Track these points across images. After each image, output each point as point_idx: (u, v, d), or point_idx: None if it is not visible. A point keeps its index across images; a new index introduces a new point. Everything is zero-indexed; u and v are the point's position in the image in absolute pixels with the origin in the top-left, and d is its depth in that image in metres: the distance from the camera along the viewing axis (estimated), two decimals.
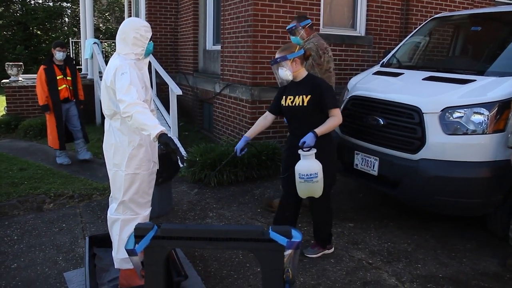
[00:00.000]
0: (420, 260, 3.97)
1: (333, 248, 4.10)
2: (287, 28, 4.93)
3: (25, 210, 5.06)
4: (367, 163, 4.60)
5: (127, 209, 3.25)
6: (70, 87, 6.72)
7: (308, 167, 3.55)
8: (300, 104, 3.71)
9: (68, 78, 6.69)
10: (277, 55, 3.75)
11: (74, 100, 6.82)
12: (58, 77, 6.58)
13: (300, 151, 3.57)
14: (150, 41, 3.26)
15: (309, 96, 3.68)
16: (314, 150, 3.55)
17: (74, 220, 4.80)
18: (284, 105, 3.85)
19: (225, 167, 5.81)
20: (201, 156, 5.92)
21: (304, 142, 3.55)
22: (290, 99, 3.80)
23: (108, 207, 3.45)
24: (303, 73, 3.81)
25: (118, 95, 2.98)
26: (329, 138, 3.80)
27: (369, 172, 4.60)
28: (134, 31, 3.16)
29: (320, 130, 3.61)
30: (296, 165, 3.62)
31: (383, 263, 3.92)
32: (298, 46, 3.81)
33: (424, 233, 4.49)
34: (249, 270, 3.77)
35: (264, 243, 2.11)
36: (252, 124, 6.87)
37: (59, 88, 6.59)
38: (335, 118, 3.69)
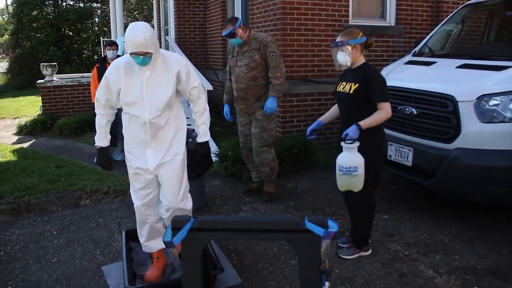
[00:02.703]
0: (457, 252, 3.90)
1: (370, 250, 3.91)
2: (224, 34, 4.76)
3: (63, 206, 5.20)
4: (400, 153, 4.55)
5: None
6: None
7: (349, 159, 3.42)
8: (347, 91, 3.63)
9: None
10: (338, 38, 3.63)
11: None
12: None
13: (342, 143, 3.47)
14: (138, 56, 2.91)
15: (357, 85, 3.56)
16: (357, 143, 3.42)
17: (110, 215, 4.91)
18: (336, 90, 3.81)
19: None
20: (233, 151, 5.94)
21: (347, 134, 3.46)
22: (342, 85, 3.74)
23: None
24: (360, 60, 3.67)
25: None
26: (375, 132, 3.60)
27: (403, 163, 4.55)
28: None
29: (365, 123, 3.48)
30: (338, 156, 3.52)
31: (419, 255, 3.87)
32: (361, 33, 3.64)
33: (460, 224, 4.41)
34: (284, 263, 3.78)
35: (301, 234, 2.11)
36: (283, 118, 6.87)
37: None
38: (383, 112, 3.52)
